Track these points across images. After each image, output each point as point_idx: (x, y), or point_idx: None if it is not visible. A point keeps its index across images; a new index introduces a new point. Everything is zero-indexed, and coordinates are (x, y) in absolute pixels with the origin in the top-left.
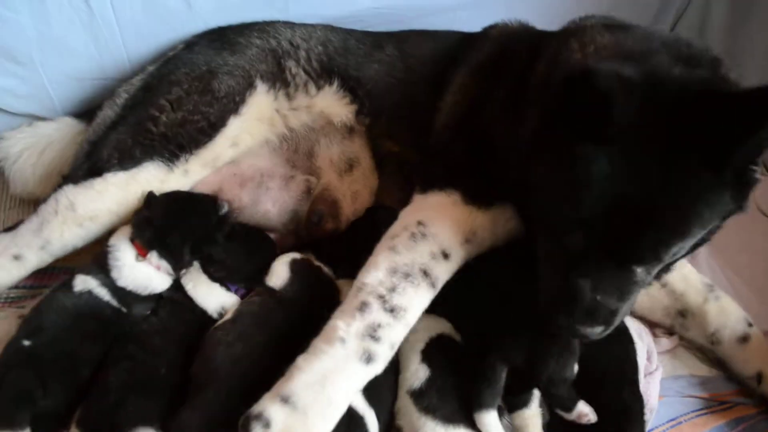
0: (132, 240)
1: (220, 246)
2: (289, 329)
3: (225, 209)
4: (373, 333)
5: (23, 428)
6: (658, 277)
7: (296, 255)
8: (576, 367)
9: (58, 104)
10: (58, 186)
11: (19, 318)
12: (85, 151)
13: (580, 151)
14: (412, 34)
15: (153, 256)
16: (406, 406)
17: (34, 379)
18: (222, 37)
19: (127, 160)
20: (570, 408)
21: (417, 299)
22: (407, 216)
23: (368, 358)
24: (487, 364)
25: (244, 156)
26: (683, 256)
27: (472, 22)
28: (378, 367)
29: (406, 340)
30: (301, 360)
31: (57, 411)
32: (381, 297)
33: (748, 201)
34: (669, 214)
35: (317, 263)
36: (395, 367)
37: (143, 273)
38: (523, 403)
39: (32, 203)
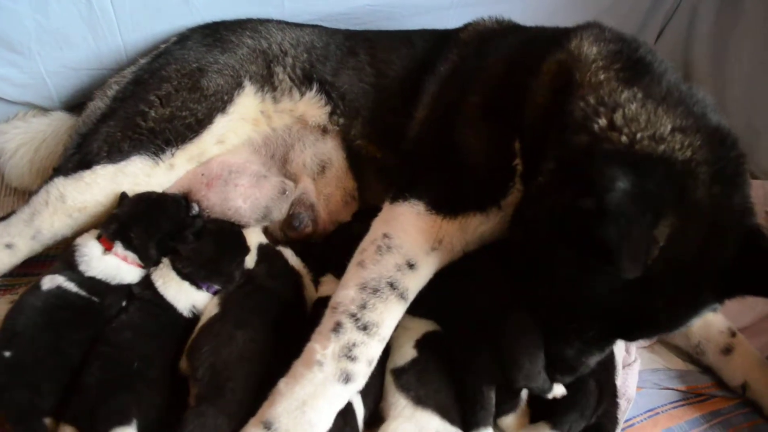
0: (98, 237)
1: (189, 243)
2: (273, 310)
3: (195, 210)
4: (348, 353)
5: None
6: None
7: (262, 239)
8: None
9: (55, 94)
10: (49, 178)
11: (11, 304)
12: (75, 142)
13: (593, 270)
14: (384, 38)
15: (118, 246)
16: (387, 384)
17: (28, 390)
18: (214, 34)
19: (116, 153)
20: (547, 392)
21: (388, 313)
22: (375, 228)
23: (346, 378)
24: (475, 389)
25: (222, 154)
26: None
27: (465, 20)
28: (357, 385)
29: (404, 330)
30: (282, 385)
31: (55, 401)
32: (353, 315)
33: None
34: (663, 323)
35: (279, 248)
36: (384, 357)
37: (111, 264)
38: (512, 409)
39: (27, 192)
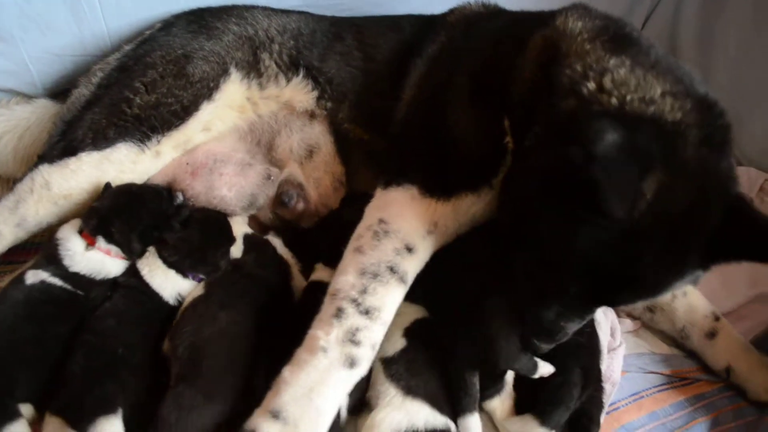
0: (80, 232)
1: (176, 232)
2: (260, 296)
3: (180, 199)
4: (352, 338)
5: (15, 418)
6: None
7: (247, 230)
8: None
9: (39, 80)
10: (34, 165)
11: None
12: (59, 129)
13: (587, 218)
14: (371, 23)
15: (100, 241)
16: (376, 373)
17: (5, 378)
18: (200, 20)
19: (101, 140)
20: (533, 372)
21: (389, 297)
22: (370, 214)
23: (351, 363)
24: (458, 375)
25: (208, 141)
26: None
27: (452, 5)
28: (362, 370)
29: (394, 317)
30: (287, 373)
31: (33, 395)
32: (354, 300)
33: None
34: (648, 284)
35: (268, 237)
36: None
37: (95, 259)
38: (497, 392)
39: (11, 179)
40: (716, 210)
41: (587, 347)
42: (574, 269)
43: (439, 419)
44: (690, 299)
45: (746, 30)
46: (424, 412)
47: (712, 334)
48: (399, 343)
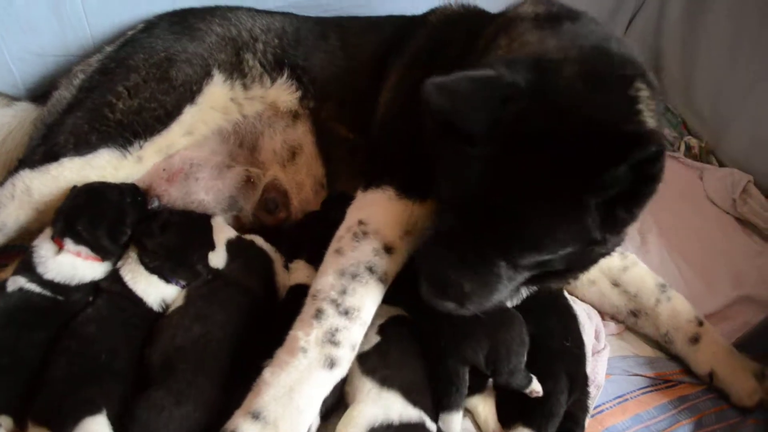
0: (52, 237)
1: (155, 237)
2: (243, 305)
3: (155, 204)
4: (331, 338)
5: None
6: (543, 284)
7: (231, 234)
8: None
9: (20, 80)
10: (14, 169)
11: None
12: (40, 133)
13: (460, 149)
14: (354, 23)
15: (69, 243)
16: (352, 369)
17: None
18: (183, 21)
19: (83, 146)
20: (526, 386)
21: (368, 297)
22: (350, 216)
23: (331, 364)
24: (451, 370)
25: (189, 145)
26: (558, 274)
27: (435, 5)
28: (342, 370)
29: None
30: (267, 374)
31: (10, 405)
32: (334, 301)
33: (621, 239)
34: (524, 219)
35: (249, 237)
36: None
37: (66, 263)
38: (479, 388)
39: None
40: (590, 144)
41: (573, 353)
42: (457, 200)
43: (412, 412)
44: (673, 304)
45: (729, 31)
46: (398, 405)
47: (695, 339)
48: (373, 339)
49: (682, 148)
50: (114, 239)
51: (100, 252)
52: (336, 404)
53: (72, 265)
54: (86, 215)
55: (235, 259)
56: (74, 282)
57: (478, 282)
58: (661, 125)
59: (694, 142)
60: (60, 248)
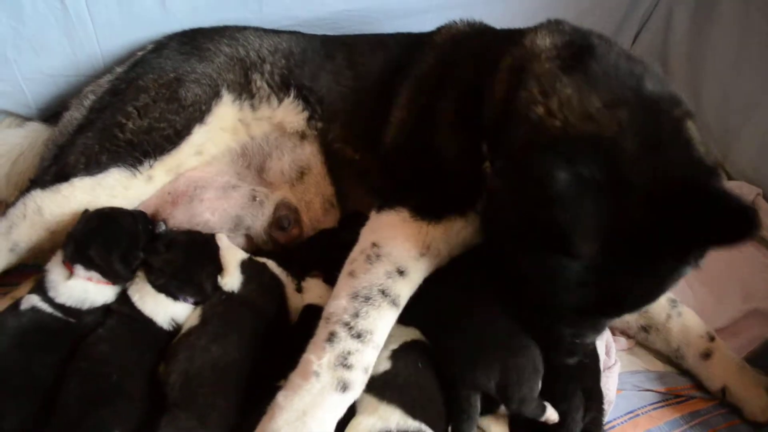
0: (63, 261)
1: (161, 254)
2: (256, 326)
3: (162, 228)
4: (344, 361)
5: None
6: None
7: (243, 255)
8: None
9: (32, 101)
10: (26, 189)
11: None
12: (51, 154)
13: (555, 261)
14: (361, 42)
15: (79, 269)
16: None
17: None
18: (192, 42)
19: (94, 165)
20: (539, 415)
21: (381, 320)
22: (364, 238)
23: (344, 387)
24: (462, 397)
25: (198, 166)
26: None
27: (439, 23)
28: (355, 393)
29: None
30: (281, 397)
31: (23, 426)
32: (346, 324)
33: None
34: (640, 293)
35: (261, 260)
36: None
37: (78, 288)
38: (491, 409)
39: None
40: (676, 207)
41: (589, 369)
42: (566, 300)
43: (411, 423)
44: (684, 319)
45: (735, 45)
46: (395, 416)
47: (707, 355)
48: (382, 366)
49: None
50: (127, 264)
51: (112, 277)
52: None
53: (83, 289)
54: (100, 240)
55: (251, 280)
56: (86, 306)
57: (595, 335)
58: (708, 146)
59: None
60: (71, 273)
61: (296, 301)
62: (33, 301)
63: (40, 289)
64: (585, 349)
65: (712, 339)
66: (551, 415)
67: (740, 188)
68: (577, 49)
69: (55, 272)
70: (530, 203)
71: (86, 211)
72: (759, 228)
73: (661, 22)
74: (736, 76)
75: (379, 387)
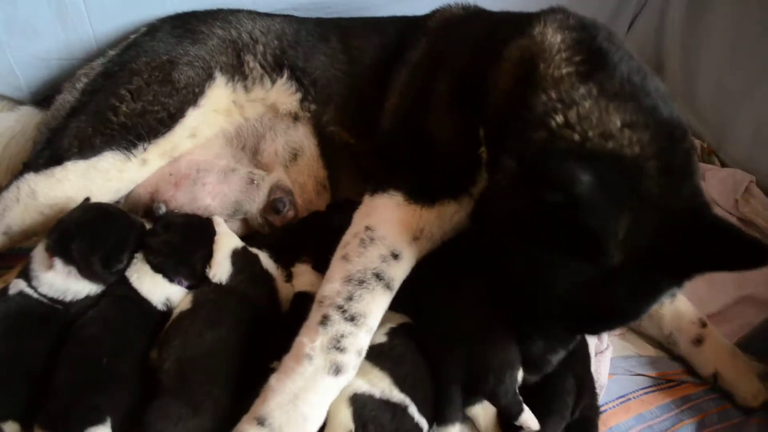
0: (46, 249)
1: (159, 236)
2: (248, 315)
3: (162, 210)
4: (337, 344)
5: None
6: None
7: (237, 244)
8: (520, 377)
9: (25, 85)
10: (19, 173)
11: None
12: (44, 137)
13: (555, 259)
14: (356, 25)
15: (58, 263)
16: None
17: None
18: (185, 25)
19: (87, 149)
20: (514, 413)
21: (375, 303)
22: (357, 221)
23: (336, 370)
24: (443, 385)
25: (194, 148)
26: None
27: (437, 5)
28: (348, 376)
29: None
30: (273, 380)
31: (15, 410)
32: (340, 307)
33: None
34: (626, 313)
35: (254, 251)
36: None
37: (58, 281)
38: (478, 399)
39: None
40: (680, 232)
41: (578, 354)
42: (552, 307)
43: (396, 395)
44: (677, 305)
45: (730, 34)
46: (383, 384)
47: (698, 341)
48: (378, 339)
49: None
50: (107, 266)
51: (88, 275)
52: None
53: (63, 282)
54: (87, 235)
55: (242, 272)
56: (68, 298)
57: (563, 352)
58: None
59: (696, 143)
60: (51, 265)
61: (286, 292)
62: (20, 286)
63: (26, 275)
64: (548, 369)
65: (703, 325)
66: (528, 420)
67: (734, 175)
68: (588, 53)
69: (38, 261)
70: (550, 206)
71: (87, 199)
72: None
73: (656, 10)
74: (730, 64)
75: (374, 355)
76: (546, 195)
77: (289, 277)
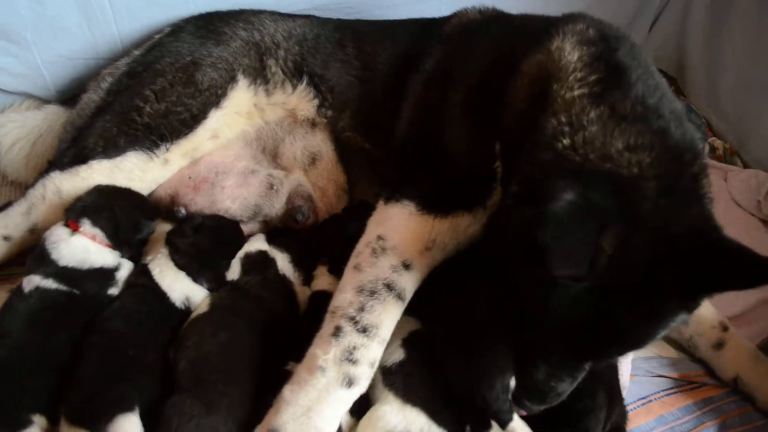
0: (65, 223)
1: (187, 237)
2: (264, 318)
3: (182, 213)
4: (349, 356)
5: (27, 426)
6: None
7: (248, 249)
8: (512, 382)
9: (51, 84)
10: (45, 171)
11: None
12: (70, 136)
13: (544, 277)
14: (371, 31)
15: (86, 224)
16: (376, 378)
17: (11, 387)
18: (208, 25)
19: (112, 148)
20: (503, 423)
21: (386, 314)
22: (369, 230)
23: (349, 382)
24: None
25: (215, 149)
26: None
27: (459, 6)
28: (361, 388)
29: None
30: (287, 392)
31: (43, 404)
32: (352, 318)
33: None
34: (630, 336)
35: (274, 253)
36: None
37: (79, 246)
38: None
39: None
40: (687, 255)
41: (608, 365)
42: (553, 328)
43: (435, 430)
44: (698, 309)
45: (753, 32)
46: (420, 422)
47: (719, 345)
48: (397, 354)
49: (707, 149)
50: (136, 230)
51: (115, 239)
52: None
53: (84, 248)
54: (123, 201)
55: (248, 274)
56: (85, 266)
57: (570, 382)
58: (712, 205)
59: (718, 143)
60: (75, 230)
61: (303, 295)
62: (35, 281)
63: (39, 261)
64: (552, 398)
65: (725, 329)
66: (517, 430)
67: (757, 176)
68: (605, 70)
69: (56, 233)
70: (526, 221)
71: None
72: None
73: (679, 9)
74: (753, 63)
75: (397, 384)
76: (524, 211)
77: (307, 281)
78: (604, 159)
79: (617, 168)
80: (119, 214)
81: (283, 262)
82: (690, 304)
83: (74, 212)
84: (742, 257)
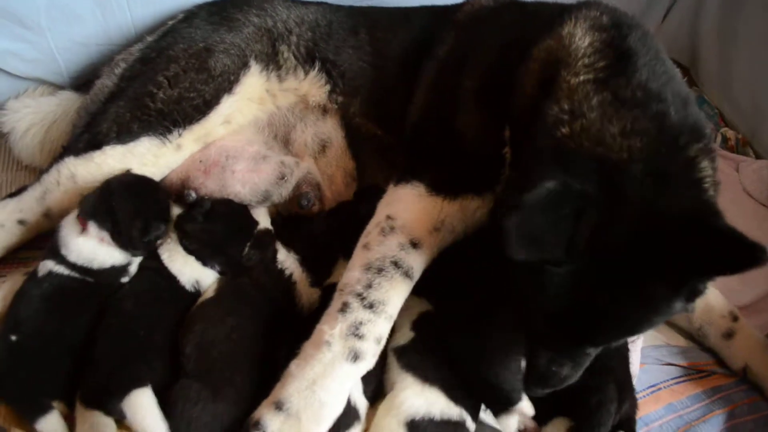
0: (78, 216)
1: (198, 223)
2: (267, 305)
3: (192, 197)
4: (356, 331)
5: (48, 411)
6: None
7: (266, 225)
8: (523, 364)
9: (65, 69)
10: (59, 156)
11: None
12: (84, 121)
13: (542, 268)
14: (384, 17)
15: (92, 227)
16: (390, 363)
17: (29, 373)
18: (221, 11)
19: (125, 134)
20: (513, 401)
21: (393, 291)
22: (379, 211)
23: (355, 357)
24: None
25: (227, 135)
26: None
27: None
28: (367, 364)
29: (402, 310)
30: (293, 366)
31: (61, 389)
32: (359, 295)
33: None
34: (623, 319)
35: (281, 252)
36: None
37: (87, 247)
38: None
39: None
40: (675, 237)
41: (621, 354)
42: (545, 312)
43: (454, 410)
44: (708, 298)
45: (767, 21)
46: (440, 403)
47: (729, 335)
48: (408, 335)
49: (719, 140)
50: (145, 233)
51: (121, 241)
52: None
53: (92, 249)
54: (132, 200)
55: (255, 248)
56: (94, 266)
57: (572, 367)
58: (717, 190)
59: (730, 133)
60: (84, 228)
61: (309, 296)
62: (49, 266)
63: (52, 250)
64: (556, 384)
65: (735, 319)
66: (525, 407)
67: None
68: (614, 56)
69: (68, 228)
70: (506, 207)
71: (128, 170)
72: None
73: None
74: (767, 54)
75: (413, 363)
76: (511, 198)
77: (315, 282)
78: (598, 145)
79: (607, 153)
80: (123, 219)
81: (285, 258)
82: (681, 289)
83: (84, 210)
84: (731, 241)
